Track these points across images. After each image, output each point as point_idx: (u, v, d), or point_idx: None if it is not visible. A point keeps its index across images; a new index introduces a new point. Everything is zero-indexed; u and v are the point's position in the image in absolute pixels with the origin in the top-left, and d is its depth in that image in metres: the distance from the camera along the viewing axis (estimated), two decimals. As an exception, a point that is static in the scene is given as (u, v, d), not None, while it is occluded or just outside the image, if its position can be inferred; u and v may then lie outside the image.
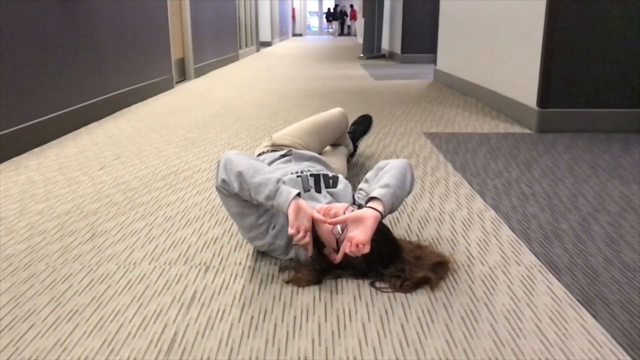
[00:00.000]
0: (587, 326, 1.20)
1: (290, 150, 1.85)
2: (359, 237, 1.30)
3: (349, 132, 2.51)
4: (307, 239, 1.35)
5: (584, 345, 1.13)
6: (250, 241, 1.53)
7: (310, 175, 1.61)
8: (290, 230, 1.32)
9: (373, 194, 1.41)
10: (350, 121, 2.64)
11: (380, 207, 1.38)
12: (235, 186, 1.39)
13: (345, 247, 1.32)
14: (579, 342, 1.14)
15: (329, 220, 1.35)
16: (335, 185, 1.60)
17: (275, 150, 1.93)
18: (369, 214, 1.34)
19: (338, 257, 1.37)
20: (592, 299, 1.32)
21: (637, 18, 3.06)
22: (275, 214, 1.50)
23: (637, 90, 3.16)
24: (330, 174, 1.65)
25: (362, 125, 2.64)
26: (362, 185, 1.63)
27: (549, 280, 1.42)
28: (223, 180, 1.42)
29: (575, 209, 1.94)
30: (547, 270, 1.47)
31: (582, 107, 3.20)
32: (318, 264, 1.42)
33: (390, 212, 1.44)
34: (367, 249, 1.30)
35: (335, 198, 1.56)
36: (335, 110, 2.27)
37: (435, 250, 1.50)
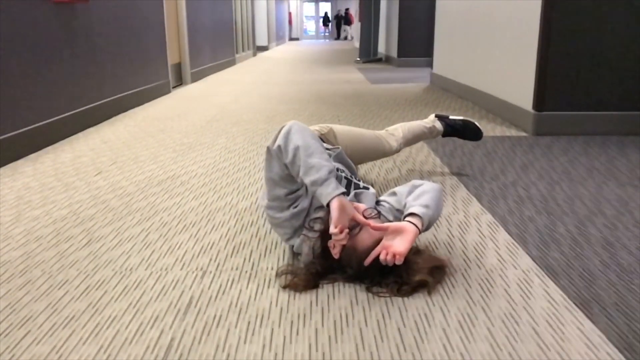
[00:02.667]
0: (584, 329, 1.20)
1: (339, 149, 1.82)
2: (397, 248, 1.32)
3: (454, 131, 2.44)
4: (345, 241, 1.35)
5: (581, 348, 1.14)
6: (267, 209, 1.53)
7: (345, 177, 1.62)
8: (333, 229, 1.31)
9: (414, 211, 1.41)
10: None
11: (419, 225, 1.39)
12: (289, 157, 1.39)
13: (381, 254, 1.32)
14: (576, 345, 1.14)
15: (372, 224, 1.36)
16: (360, 193, 1.61)
17: (322, 140, 1.93)
18: (411, 228, 1.36)
19: (367, 260, 1.35)
20: (588, 302, 1.32)
21: (632, 22, 3.07)
22: (302, 195, 1.50)
23: (632, 93, 3.17)
24: (361, 184, 1.67)
25: (471, 134, 2.46)
26: (387, 197, 1.62)
27: (545, 283, 1.42)
28: (279, 147, 1.41)
29: (571, 212, 1.95)
30: (543, 273, 1.47)
31: (578, 110, 3.21)
32: (314, 267, 1.42)
33: (424, 231, 1.44)
34: (401, 261, 1.31)
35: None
36: (388, 148, 2.20)
37: (432, 255, 1.50)
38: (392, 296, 1.34)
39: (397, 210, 1.56)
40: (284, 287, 1.39)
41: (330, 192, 1.34)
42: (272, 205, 1.52)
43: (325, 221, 1.43)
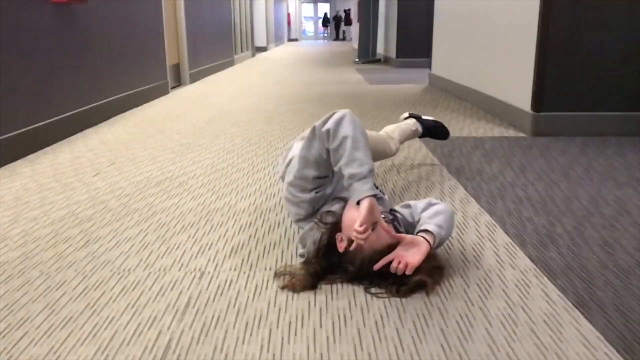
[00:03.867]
0: (582, 330, 1.21)
1: None
2: (410, 259, 1.35)
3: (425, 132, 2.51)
4: (362, 241, 1.35)
5: (579, 348, 1.14)
6: (290, 185, 1.53)
7: None
8: (359, 227, 1.32)
9: (429, 228, 1.43)
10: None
11: (432, 242, 1.41)
12: (335, 143, 1.39)
13: (394, 262, 1.35)
14: (574, 346, 1.14)
15: (393, 232, 1.38)
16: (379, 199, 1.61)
17: None
18: (424, 243, 1.39)
19: (377, 265, 1.36)
20: (586, 303, 1.32)
21: (631, 23, 3.07)
22: (327, 183, 1.51)
23: (630, 93, 3.18)
24: (379, 189, 1.68)
25: (441, 135, 2.55)
26: (401, 209, 1.62)
27: (543, 284, 1.42)
28: (328, 131, 1.40)
29: (569, 212, 1.95)
30: (542, 274, 1.47)
31: (576, 110, 3.22)
32: (313, 267, 1.42)
33: (433, 250, 1.45)
34: (411, 272, 1.34)
35: None
36: (389, 150, 2.22)
37: (430, 255, 1.50)
38: (390, 297, 1.34)
39: (409, 223, 1.56)
40: (282, 288, 1.40)
41: (365, 190, 1.35)
42: (296, 184, 1.52)
43: (338, 216, 1.44)
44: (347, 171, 1.37)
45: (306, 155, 1.48)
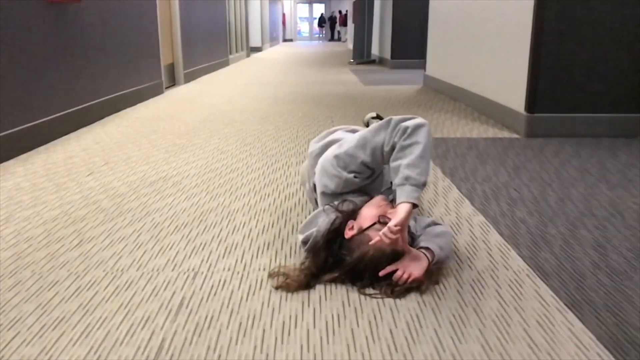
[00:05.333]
0: (575, 330, 1.21)
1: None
2: (414, 272, 1.37)
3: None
4: (388, 240, 1.35)
5: (571, 349, 1.14)
6: (335, 158, 1.53)
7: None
8: (394, 226, 1.32)
9: (431, 247, 1.46)
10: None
11: (431, 260, 1.43)
12: (405, 142, 1.42)
13: (398, 271, 1.37)
14: (566, 346, 1.15)
15: (406, 243, 1.39)
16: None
17: None
18: (425, 259, 1.41)
19: (383, 272, 1.37)
20: (579, 303, 1.32)
21: (624, 25, 3.09)
22: (366, 177, 1.53)
23: (624, 95, 3.19)
24: None
25: None
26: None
27: (537, 284, 1.42)
28: (406, 128, 1.43)
29: (563, 213, 1.96)
30: (535, 274, 1.48)
31: (570, 112, 3.23)
32: (307, 267, 1.42)
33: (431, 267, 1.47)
34: (413, 284, 1.36)
35: None
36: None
37: (429, 271, 1.51)
38: (385, 297, 1.34)
39: (411, 233, 1.57)
40: (277, 288, 1.39)
41: (413, 197, 1.38)
42: (343, 158, 1.52)
43: (358, 207, 1.47)
44: (405, 172, 1.39)
45: (369, 138, 1.49)
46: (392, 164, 1.44)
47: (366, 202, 1.50)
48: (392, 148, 1.45)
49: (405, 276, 1.36)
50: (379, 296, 1.35)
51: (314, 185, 1.68)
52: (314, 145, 1.78)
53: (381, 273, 1.37)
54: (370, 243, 1.35)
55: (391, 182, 1.66)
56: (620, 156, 2.78)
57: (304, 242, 1.51)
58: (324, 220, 1.47)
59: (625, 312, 1.28)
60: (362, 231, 1.39)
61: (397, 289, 1.35)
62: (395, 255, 1.38)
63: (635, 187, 2.25)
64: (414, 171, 1.39)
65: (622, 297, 1.35)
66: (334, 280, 1.42)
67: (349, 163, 1.52)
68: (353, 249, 1.39)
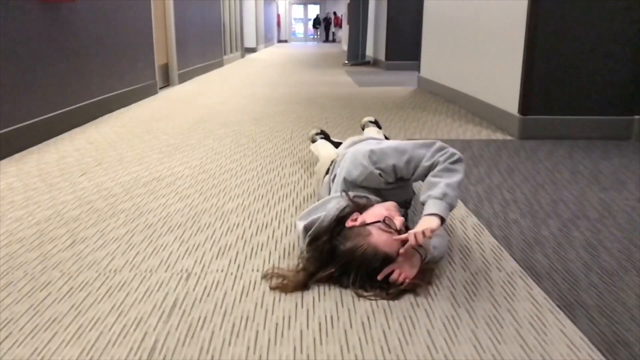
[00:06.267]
0: (566, 331, 1.22)
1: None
2: (408, 273, 1.39)
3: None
4: (408, 245, 1.37)
5: (563, 350, 1.15)
6: (371, 152, 1.55)
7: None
8: (422, 237, 1.35)
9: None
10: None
11: (424, 257, 1.43)
12: (446, 165, 1.48)
13: (394, 274, 1.38)
14: (558, 347, 1.16)
15: (402, 252, 1.39)
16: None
17: None
18: (417, 257, 1.42)
19: (380, 276, 1.38)
20: (571, 304, 1.33)
21: (617, 28, 3.11)
22: (388, 182, 1.56)
23: (616, 97, 3.21)
24: None
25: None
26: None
27: (529, 285, 1.43)
28: (453, 154, 1.50)
29: (555, 215, 1.97)
30: (527, 275, 1.49)
31: (563, 114, 3.25)
32: (303, 266, 1.43)
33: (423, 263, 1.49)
34: (409, 287, 1.38)
35: None
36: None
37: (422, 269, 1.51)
38: (379, 299, 1.35)
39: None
40: (273, 289, 1.39)
41: (445, 213, 1.41)
42: (375, 154, 1.54)
43: (370, 203, 1.48)
44: (445, 189, 1.43)
45: (409, 149, 1.54)
46: (432, 179, 1.48)
47: (379, 202, 1.51)
48: (432, 166, 1.51)
49: (401, 278, 1.37)
50: (373, 298, 1.35)
51: (334, 177, 1.71)
52: (350, 141, 1.87)
53: (379, 277, 1.37)
54: (401, 251, 1.37)
55: (408, 201, 1.70)
56: (612, 158, 2.79)
57: (306, 228, 1.49)
58: (334, 205, 1.49)
59: (617, 313, 1.29)
60: (363, 225, 1.39)
61: (392, 291, 1.36)
62: (386, 258, 1.37)
63: (627, 189, 2.27)
64: (452, 192, 1.44)
65: (613, 298, 1.36)
66: (328, 278, 1.41)
67: (381, 160, 1.55)
68: (349, 238, 1.39)
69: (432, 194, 1.44)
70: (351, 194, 1.54)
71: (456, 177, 1.48)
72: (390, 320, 1.26)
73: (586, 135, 3.25)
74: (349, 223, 1.42)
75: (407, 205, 1.77)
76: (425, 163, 1.51)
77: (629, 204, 2.08)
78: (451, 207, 1.44)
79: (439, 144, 1.55)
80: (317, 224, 1.46)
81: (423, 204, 1.46)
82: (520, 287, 1.42)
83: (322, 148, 2.33)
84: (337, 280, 1.41)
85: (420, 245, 1.37)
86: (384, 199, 1.57)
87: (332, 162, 1.88)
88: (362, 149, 1.61)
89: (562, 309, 1.31)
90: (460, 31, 4.53)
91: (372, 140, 1.80)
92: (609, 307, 1.32)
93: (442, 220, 1.40)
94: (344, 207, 1.46)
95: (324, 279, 1.41)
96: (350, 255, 1.37)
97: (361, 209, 1.46)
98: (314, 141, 2.58)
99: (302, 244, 1.51)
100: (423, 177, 1.53)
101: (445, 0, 4.98)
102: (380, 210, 1.44)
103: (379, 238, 1.37)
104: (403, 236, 1.37)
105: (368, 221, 1.40)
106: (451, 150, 1.54)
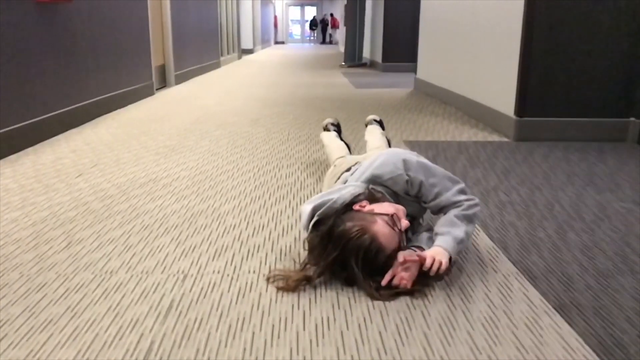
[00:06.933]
0: (562, 332, 1.22)
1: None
2: (406, 278, 1.39)
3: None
4: (398, 241, 1.41)
5: (559, 351, 1.15)
6: (401, 157, 1.56)
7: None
8: (445, 267, 1.39)
9: (443, 246, 1.48)
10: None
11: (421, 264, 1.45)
12: (465, 205, 1.52)
13: (395, 278, 1.39)
14: (554, 349, 1.16)
15: (403, 264, 1.40)
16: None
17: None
18: (415, 267, 1.43)
19: (384, 282, 1.39)
20: (567, 306, 1.34)
21: (614, 29, 3.12)
22: (407, 195, 1.57)
23: (612, 99, 3.23)
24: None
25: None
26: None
27: (525, 287, 1.43)
28: (472, 198, 1.55)
29: (551, 217, 1.97)
30: (523, 277, 1.49)
31: (559, 116, 3.26)
32: (304, 264, 1.44)
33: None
34: (407, 286, 1.39)
35: None
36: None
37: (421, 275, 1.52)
38: (374, 300, 1.35)
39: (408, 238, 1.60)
40: (279, 290, 1.39)
41: (456, 252, 1.45)
42: (408, 163, 1.55)
43: (384, 199, 1.50)
44: (463, 236, 1.47)
45: (437, 176, 1.55)
46: (454, 219, 1.50)
47: (392, 202, 1.53)
48: (455, 203, 1.53)
49: (401, 283, 1.38)
50: (369, 295, 1.36)
51: (354, 172, 1.72)
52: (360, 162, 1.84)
53: (383, 282, 1.38)
54: (404, 258, 1.39)
55: (416, 218, 1.69)
56: (608, 160, 2.80)
57: (315, 209, 1.47)
58: (349, 190, 1.49)
59: (612, 315, 1.29)
60: (370, 212, 1.41)
61: (388, 292, 1.36)
62: (381, 250, 1.37)
63: (623, 191, 2.27)
64: (466, 242, 1.50)
65: (609, 300, 1.36)
66: (330, 268, 1.40)
67: (413, 170, 1.54)
68: (351, 219, 1.39)
69: (452, 233, 1.47)
70: (370, 186, 1.55)
71: (471, 228, 1.52)
72: (387, 322, 1.26)
73: (582, 137, 3.26)
74: (356, 207, 1.44)
75: (412, 221, 1.76)
76: (452, 197, 1.53)
77: (625, 206, 2.08)
78: (462, 249, 1.51)
79: (463, 184, 1.58)
80: (329, 204, 1.45)
81: (438, 234, 1.48)
82: (516, 289, 1.42)
83: (334, 142, 2.37)
84: (336, 272, 1.42)
85: (429, 268, 1.39)
86: (400, 203, 1.58)
87: (356, 162, 1.86)
88: (402, 151, 1.62)
89: (558, 311, 1.31)
90: (457, 33, 4.54)
91: (410, 151, 1.79)
92: (605, 308, 1.32)
93: (450, 259, 1.43)
94: (359, 194, 1.48)
95: (326, 268, 1.40)
96: (347, 235, 1.36)
97: (373, 200, 1.48)
98: (326, 130, 2.57)
99: (305, 231, 1.48)
100: (441, 208, 1.55)
101: (442, 2, 4.99)
102: (390, 207, 1.46)
103: (381, 229, 1.37)
104: (424, 255, 1.40)
105: (376, 211, 1.42)
106: (475, 199, 1.56)
